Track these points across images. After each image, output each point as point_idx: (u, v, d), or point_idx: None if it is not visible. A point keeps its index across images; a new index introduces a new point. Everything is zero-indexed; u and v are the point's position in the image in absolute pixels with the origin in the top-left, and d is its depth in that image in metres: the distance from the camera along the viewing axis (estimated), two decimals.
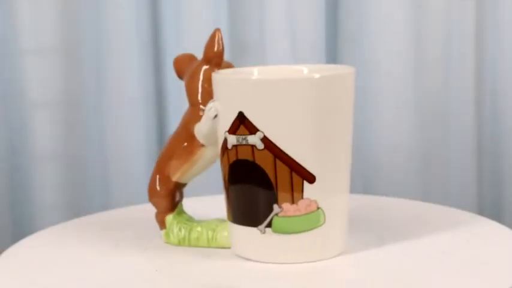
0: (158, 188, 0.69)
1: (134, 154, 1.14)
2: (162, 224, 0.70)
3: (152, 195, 0.70)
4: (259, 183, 0.62)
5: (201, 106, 0.67)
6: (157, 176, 0.70)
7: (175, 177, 0.69)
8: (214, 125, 0.65)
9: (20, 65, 1.10)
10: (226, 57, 1.15)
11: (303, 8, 1.16)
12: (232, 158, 0.64)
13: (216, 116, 0.64)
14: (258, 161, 0.62)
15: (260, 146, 0.62)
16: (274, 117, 0.61)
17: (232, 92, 0.63)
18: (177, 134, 0.69)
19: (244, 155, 0.62)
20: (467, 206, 1.21)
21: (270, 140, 0.61)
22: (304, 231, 0.63)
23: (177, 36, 1.13)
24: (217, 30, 0.68)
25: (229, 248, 0.67)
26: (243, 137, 0.62)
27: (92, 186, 1.15)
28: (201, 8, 1.13)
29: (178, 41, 1.13)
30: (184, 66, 0.70)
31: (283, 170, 0.62)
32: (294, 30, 1.17)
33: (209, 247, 0.68)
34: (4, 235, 1.12)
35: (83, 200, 1.14)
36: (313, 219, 0.63)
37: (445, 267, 0.62)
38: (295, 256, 0.64)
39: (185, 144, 0.68)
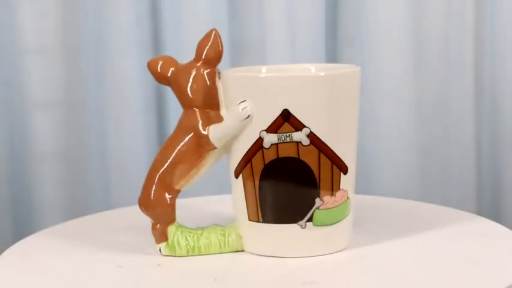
0: (158, 198, 0.65)
1: (134, 154, 1.14)
2: (162, 237, 0.66)
3: (149, 206, 0.66)
4: (303, 179, 0.63)
5: (205, 108, 0.65)
6: (155, 185, 0.65)
7: (179, 185, 0.66)
8: (242, 126, 0.64)
9: (21, 65, 1.10)
10: (226, 57, 1.16)
11: (303, 8, 1.16)
12: (271, 157, 0.63)
13: (248, 116, 0.63)
14: (302, 157, 0.63)
15: (306, 142, 0.62)
16: (319, 112, 0.62)
17: (274, 90, 0.63)
18: (176, 139, 0.65)
19: (287, 152, 0.63)
20: (467, 206, 1.21)
21: (315, 136, 0.62)
22: (338, 221, 0.65)
23: (177, 36, 1.13)
24: (215, 30, 0.66)
25: (242, 250, 0.66)
26: (287, 134, 0.62)
27: (92, 186, 1.15)
28: (201, 8, 1.13)
29: (178, 41, 1.13)
30: (165, 69, 0.66)
31: (326, 164, 0.63)
32: (294, 30, 1.17)
33: (221, 253, 0.66)
34: (4, 235, 1.12)
35: (83, 200, 1.14)
36: (344, 209, 0.65)
37: (444, 266, 0.62)
38: (329, 247, 0.65)
39: (191, 148, 0.64)
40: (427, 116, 1.22)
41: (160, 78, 0.67)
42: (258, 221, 0.65)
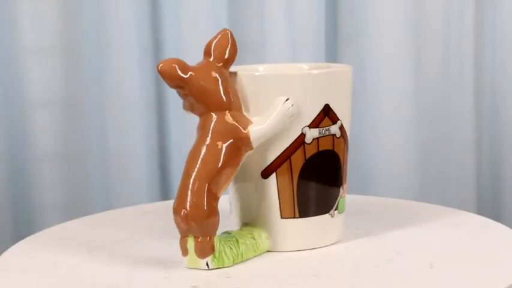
0: (211, 209, 0.61)
1: (134, 154, 1.14)
2: (210, 250, 0.61)
3: (203, 218, 0.61)
4: (335, 170, 0.66)
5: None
6: (206, 196, 0.61)
7: (221, 192, 0.62)
8: (285, 124, 0.63)
9: (21, 65, 1.10)
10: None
11: (303, 8, 1.17)
12: (312, 152, 0.65)
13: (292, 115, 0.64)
14: (336, 149, 0.66)
15: (338, 134, 0.66)
16: (348, 105, 0.67)
17: (315, 86, 0.64)
18: (214, 145, 0.62)
19: (326, 145, 0.65)
20: (466, 206, 1.21)
21: (344, 128, 0.66)
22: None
23: (177, 37, 1.13)
24: (228, 30, 0.65)
25: (269, 251, 0.66)
26: (326, 128, 0.65)
27: (92, 186, 1.15)
28: (201, 8, 1.13)
29: (178, 42, 1.13)
30: (184, 72, 0.63)
31: (347, 154, 0.67)
32: (294, 30, 1.17)
33: (255, 256, 0.65)
34: (4, 234, 1.12)
35: (83, 200, 1.14)
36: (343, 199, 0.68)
37: (444, 266, 0.62)
38: (342, 234, 0.68)
39: (232, 152, 0.62)
40: (427, 116, 1.22)
41: (176, 81, 0.63)
42: (293, 217, 0.65)
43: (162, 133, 1.17)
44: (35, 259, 0.67)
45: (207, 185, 0.61)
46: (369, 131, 1.20)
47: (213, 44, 0.65)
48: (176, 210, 0.61)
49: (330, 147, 0.65)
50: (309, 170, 0.65)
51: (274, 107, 0.63)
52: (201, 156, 0.62)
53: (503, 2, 1.22)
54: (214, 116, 0.63)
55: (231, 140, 0.62)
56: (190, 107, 0.64)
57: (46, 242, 0.72)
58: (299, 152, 0.64)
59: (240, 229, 0.66)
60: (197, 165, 0.61)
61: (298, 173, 0.65)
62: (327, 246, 0.67)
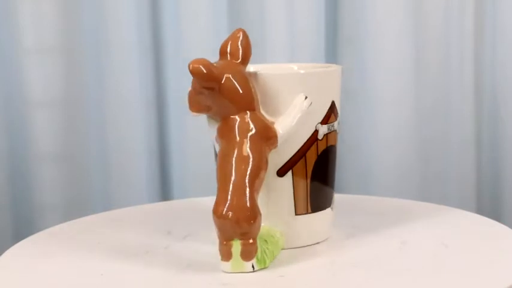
0: (258, 210, 0.60)
1: (134, 154, 1.14)
2: (256, 251, 0.60)
3: (256, 220, 0.59)
4: (335, 164, 0.68)
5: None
6: (251, 196, 0.59)
7: (259, 191, 0.61)
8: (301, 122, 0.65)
9: (21, 65, 1.10)
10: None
11: (303, 8, 1.17)
12: (322, 147, 0.66)
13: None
14: (337, 144, 0.68)
15: (338, 129, 0.68)
16: (340, 102, 0.68)
17: (325, 84, 0.66)
18: (253, 145, 0.61)
19: (331, 141, 0.67)
20: (466, 206, 1.21)
21: (339, 123, 0.68)
22: None
23: (177, 36, 1.13)
24: (243, 29, 0.65)
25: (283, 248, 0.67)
26: (332, 124, 0.67)
27: (92, 186, 1.15)
28: (201, 8, 1.13)
29: (178, 42, 1.13)
30: (212, 72, 0.60)
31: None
32: (294, 30, 1.17)
33: (278, 254, 0.65)
34: (4, 234, 1.12)
35: (83, 200, 1.14)
36: None
37: (444, 266, 0.62)
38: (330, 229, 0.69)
39: (265, 152, 0.61)
40: (427, 116, 1.22)
41: (210, 81, 0.60)
42: (306, 213, 0.66)
43: (162, 133, 1.17)
44: (35, 259, 0.67)
45: (249, 186, 0.60)
46: (369, 131, 1.20)
47: (231, 44, 0.64)
48: (223, 215, 0.59)
49: (334, 143, 0.67)
50: (320, 166, 0.66)
51: (294, 105, 0.63)
52: (238, 158, 0.60)
53: (503, 2, 1.22)
54: (243, 116, 0.62)
55: (263, 140, 0.62)
56: (207, 109, 0.62)
57: (46, 242, 0.72)
58: (313, 148, 0.66)
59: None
60: (235, 167, 0.60)
61: (311, 169, 0.66)
62: (327, 239, 0.68)
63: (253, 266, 0.61)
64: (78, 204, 1.14)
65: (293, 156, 0.65)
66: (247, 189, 0.59)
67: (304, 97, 0.64)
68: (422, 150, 1.22)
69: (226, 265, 0.61)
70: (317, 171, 0.66)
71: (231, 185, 0.59)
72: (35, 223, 1.12)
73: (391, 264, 0.63)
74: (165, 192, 1.18)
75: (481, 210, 1.25)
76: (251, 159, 0.60)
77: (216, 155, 0.64)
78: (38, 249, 0.70)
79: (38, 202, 1.12)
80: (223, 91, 0.61)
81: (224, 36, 1.19)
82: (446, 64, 1.22)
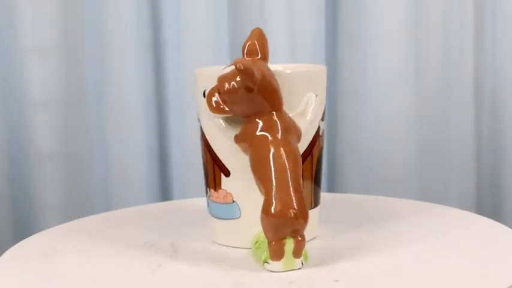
0: (307, 206, 0.60)
1: (134, 154, 1.14)
2: (304, 247, 0.61)
3: (307, 214, 0.59)
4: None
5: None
6: (301, 192, 0.59)
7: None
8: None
9: (21, 65, 1.10)
10: (226, 56, 1.16)
11: (303, 8, 1.17)
12: (321, 144, 0.68)
13: None
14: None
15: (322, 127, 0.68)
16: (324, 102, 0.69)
17: (324, 83, 0.68)
18: (292, 143, 0.62)
19: (323, 139, 0.69)
20: (466, 205, 1.21)
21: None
22: None
23: (177, 36, 1.13)
24: (260, 28, 0.66)
25: None
26: (323, 122, 0.68)
27: (92, 186, 1.15)
28: (201, 7, 1.13)
29: (178, 41, 1.13)
30: (258, 71, 0.61)
31: None
32: (294, 31, 1.17)
33: None
34: (4, 234, 1.12)
35: (83, 200, 1.14)
36: None
37: (444, 266, 0.62)
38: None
39: (297, 148, 0.62)
40: (427, 114, 1.22)
41: (256, 79, 0.61)
42: (311, 208, 0.67)
43: (162, 133, 1.17)
44: (35, 259, 0.67)
45: (298, 182, 0.59)
46: (369, 131, 1.20)
47: (257, 44, 0.65)
48: (281, 213, 0.58)
49: (323, 142, 0.69)
50: (319, 162, 0.68)
51: (307, 103, 0.65)
52: (279, 156, 0.60)
53: (504, 1, 1.22)
54: (271, 115, 0.62)
55: (295, 137, 0.62)
56: (231, 110, 0.62)
57: (46, 242, 0.72)
58: (317, 144, 0.67)
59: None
60: (279, 165, 0.60)
61: (315, 165, 0.67)
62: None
63: (302, 263, 0.61)
64: (78, 204, 1.14)
65: (303, 152, 0.66)
66: (297, 185, 0.59)
67: (315, 96, 0.65)
68: (423, 150, 1.22)
69: (277, 264, 0.60)
70: (318, 167, 0.68)
71: (280, 184, 0.59)
72: (35, 223, 1.12)
73: (390, 264, 0.63)
74: (165, 192, 1.18)
75: (481, 210, 1.25)
76: (293, 156, 0.60)
77: (206, 151, 0.66)
78: (38, 249, 0.70)
79: (38, 202, 1.12)
80: (261, 90, 0.61)
81: (224, 36, 1.19)
82: (447, 64, 1.22)
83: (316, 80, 0.67)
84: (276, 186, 0.59)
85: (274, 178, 0.59)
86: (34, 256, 0.68)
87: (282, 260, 0.60)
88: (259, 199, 0.60)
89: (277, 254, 0.60)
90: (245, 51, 0.65)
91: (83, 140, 1.14)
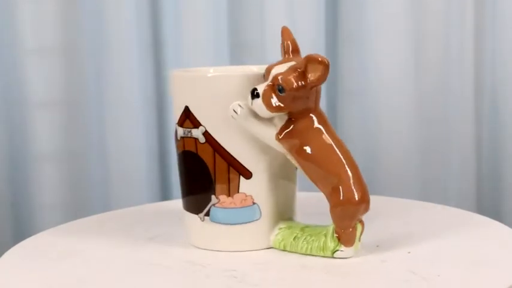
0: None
1: (134, 154, 1.14)
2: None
3: (368, 202, 0.64)
4: None
5: None
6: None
7: None
8: None
9: (21, 65, 1.10)
10: (226, 56, 1.16)
11: (303, 7, 1.16)
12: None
13: None
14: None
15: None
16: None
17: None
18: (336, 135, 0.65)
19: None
20: (466, 205, 1.21)
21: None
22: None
23: (177, 36, 1.13)
24: (287, 27, 0.68)
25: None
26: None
27: (92, 186, 1.15)
28: (201, 8, 1.13)
29: (178, 41, 1.13)
30: None
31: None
32: (294, 30, 1.16)
33: None
34: (4, 234, 1.12)
35: (83, 200, 1.14)
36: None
37: (444, 266, 0.62)
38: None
39: None
40: (427, 113, 1.22)
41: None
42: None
43: (162, 133, 1.17)
44: (35, 259, 0.67)
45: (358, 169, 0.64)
46: (369, 131, 1.20)
47: (294, 42, 0.67)
48: (363, 200, 0.63)
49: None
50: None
51: None
52: (339, 148, 0.64)
53: (504, 1, 1.22)
54: (316, 109, 0.64)
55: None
56: (287, 108, 0.63)
57: (46, 242, 0.72)
58: None
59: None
60: (342, 156, 0.63)
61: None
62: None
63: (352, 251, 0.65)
64: (78, 204, 1.14)
65: None
66: (356, 173, 0.63)
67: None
68: (423, 150, 1.22)
69: (350, 250, 0.64)
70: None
71: (353, 171, 0.63)
72: (35, 223, 1.12)
73: (389, 263, 0.63)
74: (165, 192, 1.18)
75: (481, 210, 1.25)
76: (345, 147, 0.64)
77: (215, 158, 0.66)
78: (38, 249, 0.70)
79: (38, 202, 1.12)
80: (318, 87, 0.64)
81: (224, 36, 1.19)
82: (447, 63, 1.22)
83: None
84: (352, 175, 0.63)
85: (348, 167, 0.63)
86: (34, 256, 0.68)
87: (354, 245, 0.64)
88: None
89: (351, 240, 0.63)
90: (290, 50, 0.67)
91: (83, 140, 1.14)
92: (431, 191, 1.23)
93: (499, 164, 1.26)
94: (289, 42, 0.66)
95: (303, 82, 0.62)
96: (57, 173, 1.13)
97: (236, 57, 1.16)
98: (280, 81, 0.62)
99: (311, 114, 0.64)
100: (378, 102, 1.20)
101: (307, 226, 0.67)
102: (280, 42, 0.69)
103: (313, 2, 1.17)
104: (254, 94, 0.63)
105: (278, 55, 1.15)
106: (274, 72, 0.63)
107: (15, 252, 0.69)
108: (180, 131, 0.67)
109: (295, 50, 0.66)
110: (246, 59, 1.16)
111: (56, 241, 0.72)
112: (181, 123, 0.66)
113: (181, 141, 0.67)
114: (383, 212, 0.78)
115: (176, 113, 0.67)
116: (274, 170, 0.66)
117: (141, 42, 1.13)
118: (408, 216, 0.77)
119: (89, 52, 1.12)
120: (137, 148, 1.14)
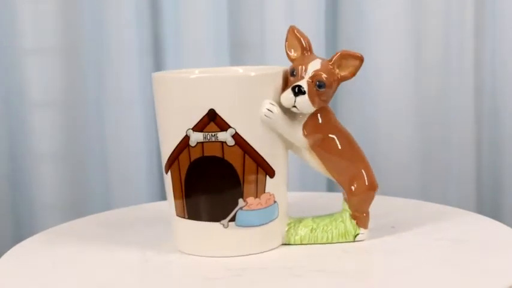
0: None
1: (134, 154, 1.14)
2: None
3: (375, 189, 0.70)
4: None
5: None
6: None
7: None
8: None
9: (21, 65, 1.10)
10: (226, 57, 1.16)
11: (303, 8, 1.16)
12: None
13: None
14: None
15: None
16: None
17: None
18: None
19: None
20: (466, 206, 1.21)
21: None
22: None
23: (177, 36, 1.13)
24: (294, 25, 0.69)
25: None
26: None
27: (92, 186, 1.15)
28: (201, 8, 1.13)
29: (178, 41, 1.13)
30: None
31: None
32: None
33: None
34: (4, 234, 1.12)
35: (83, 200, 1.14)
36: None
37: (445, 265, 0.62)
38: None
39: None
40: (427, 116, 1.22)
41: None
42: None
43: None
44: (35, 259, 0.67)
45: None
46: (368, 131, 1.20)
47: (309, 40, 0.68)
48: (377, 185, 0.69)
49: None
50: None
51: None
52: (353, 139, 0.70)
53: (504, 1, 1.22)
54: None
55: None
56: (328, 100, 0.67)
57: (46, 242, 0.72)
58: None
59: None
60: (357, 147, 0.70)
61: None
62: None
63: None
64: (78, 204, 1.14)
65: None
66: (366, 162, 0.70)
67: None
68: (423, 150, 1.22)
69: (365, 232, 0.69)
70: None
71: (366, 161, 0.69)
72: (35, 223, 1.12)
73: (390, 263, 0.63)
74: (164, 192, 1.18)
75: (481, 210, 1.25)
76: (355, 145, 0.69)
77: (244, 159, 0.65)
78: (38, 249, 0.70)
79: (38, 202, 1.12)
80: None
81: (224, 37, 1.19)
82: (446, 64, 1.22)
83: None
84: (363, 165, 0.69)
85: (361, 158, 0.69)
86: (34, 256, 0.68)
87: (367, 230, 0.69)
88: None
89: (367, 222, 0.69)
90: (309, 48, 0.68)
91: (83, 140, 1.14)
92: (431, 192, 1.22)
93: (498, 165, 1.26)
94: (308, 39, 0.68)
95: (339, 77, 0.65)
96: (57, 173, 1.13)
97: (236, 57, 1.16)
98: (323, 78, 0.65)
99: (330, 109, 0.67)
100: (377, 104, 1.20)
101: (312, 218, 0.69)
102: (284, 41, 0.69)
103: (313, 2, 1.17)
104: (298, 91, 0.64)
105: (278, 55, 1.15)
106: (311, 68, 0.65)
107: (15, 252, 0.69)
108: (198, 136, 0.64)
109: (311, 48, 0.68)
110: (246, 59, 1.16)
111: (56, 241, 0.72)
112: (201, 127, 0.64)
113: (199, 147, 0.64)
114: (382, 211, 0.78)
115: (187, 117, 0.64)
116: (287, 167, 0.68)
117: (141, 43, 1.13)
118: (407, 216, 0.77)
119: (89, 52, 1.12)
120: (137, 148, 1.14)
